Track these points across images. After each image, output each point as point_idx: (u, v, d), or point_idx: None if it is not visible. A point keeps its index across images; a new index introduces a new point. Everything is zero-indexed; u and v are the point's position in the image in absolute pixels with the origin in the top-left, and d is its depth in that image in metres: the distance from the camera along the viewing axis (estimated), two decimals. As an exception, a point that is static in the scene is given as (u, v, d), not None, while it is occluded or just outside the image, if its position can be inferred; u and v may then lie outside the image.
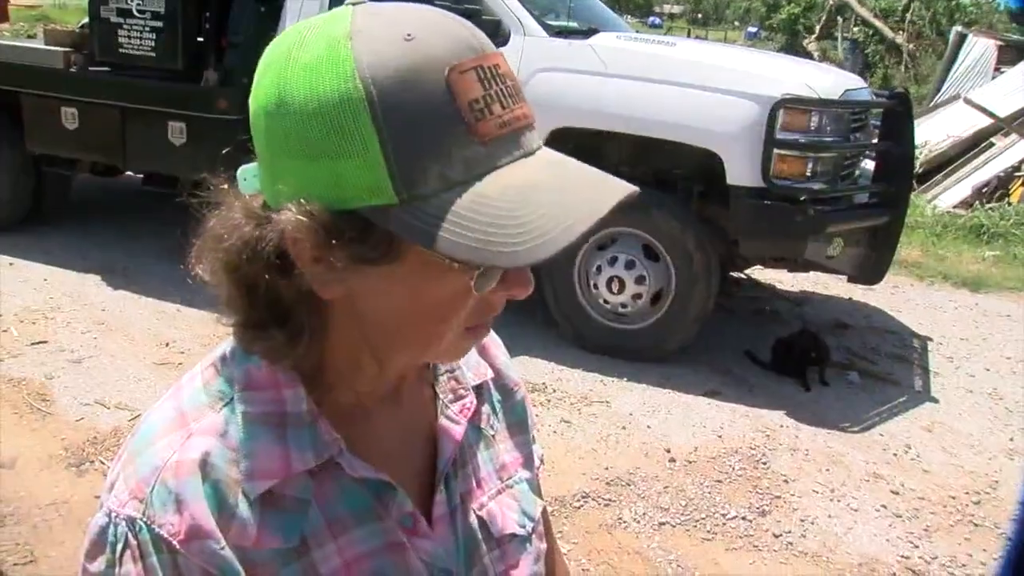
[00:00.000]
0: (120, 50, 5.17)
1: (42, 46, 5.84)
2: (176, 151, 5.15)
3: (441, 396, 0.83)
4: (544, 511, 0.93)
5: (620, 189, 0.64)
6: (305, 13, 4.83)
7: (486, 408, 0.87)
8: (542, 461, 0.96)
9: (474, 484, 0.83)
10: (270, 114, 0.63)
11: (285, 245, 0.63)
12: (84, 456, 3.29)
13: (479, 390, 0.87)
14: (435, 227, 0.59)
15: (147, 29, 5.09)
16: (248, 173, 0.68)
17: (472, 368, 0.87)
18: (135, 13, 5.08)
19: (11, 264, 5.32)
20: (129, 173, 6.33)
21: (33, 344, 4.23)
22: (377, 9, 0.64)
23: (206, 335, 4.45)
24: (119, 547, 0.66)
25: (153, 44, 5.10)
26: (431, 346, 0.71)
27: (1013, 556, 0.75)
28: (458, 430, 0.82)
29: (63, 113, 5.39)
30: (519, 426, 0.92)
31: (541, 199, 0.61)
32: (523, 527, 0.86)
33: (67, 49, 5.54)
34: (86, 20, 5.80)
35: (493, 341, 0.93)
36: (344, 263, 0.63)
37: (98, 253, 5.61)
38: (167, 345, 4.33)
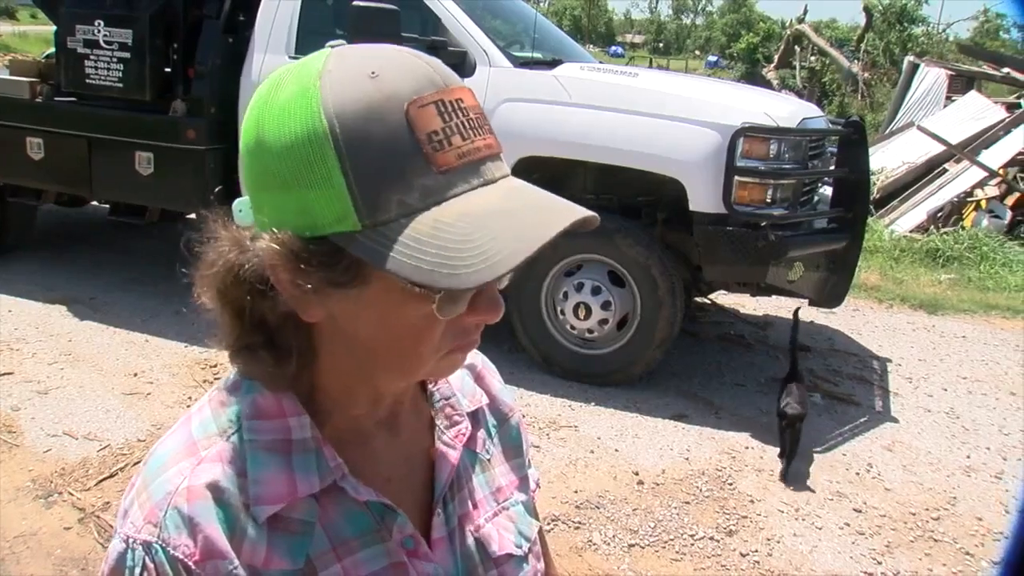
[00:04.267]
0: (87, 80, 5.16)
1: (7, 76, 5.81)
2: (143, 181, 5.14)
3: (437, 422, 0.86)
4: (540, 532, 0.96)
5: (571, 214, 0.67)
6: (273, 44, 4.88)
7: (481, 433, 0.91)
8: (538, 484, 0.99)
9: (471, 506, 0.86)
10: (250, 151, 0.68)
11: (265, 271, 0.68)
12: (52, 488, 3.26)
13: (475, 416, 0.90)
14: (391, 250, 0.63)
15: (114, 60, 5.09)
16: (243, 205, 0.73)
17: (468, 395, 0.91)
18: (102, 44, 5.08)
19: (-26, 295, 5.26)
20: (95, 203, 6.30)
21: (-2, 376, 4.19)
22: (350, 51, 0.68)
23: (175, 365, 4.44)
24: (137, 571, 0.69)
25: (120, 75, 5.10)
26: (413, 369, 0.74)
27: (1012, 558, 0.77)
28: (454, 454, 0.85)
29: (28, 143, 5.37)
30: (514, 450, 0.96)
31: (494, 224, 0.64)
32: (520, 547, 0.89)
33: (33, 79, 5.53)
34: (52, 50, 5.79)
35: (488, 369, 0.97)
36: (316, 287, 0.67)
37: (64, 283, 5.57)
38: (135, 375, 4.31)
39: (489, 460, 0.91)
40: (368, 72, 0.65)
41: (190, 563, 0.68)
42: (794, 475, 3.71)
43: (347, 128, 0.63)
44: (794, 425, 3.75)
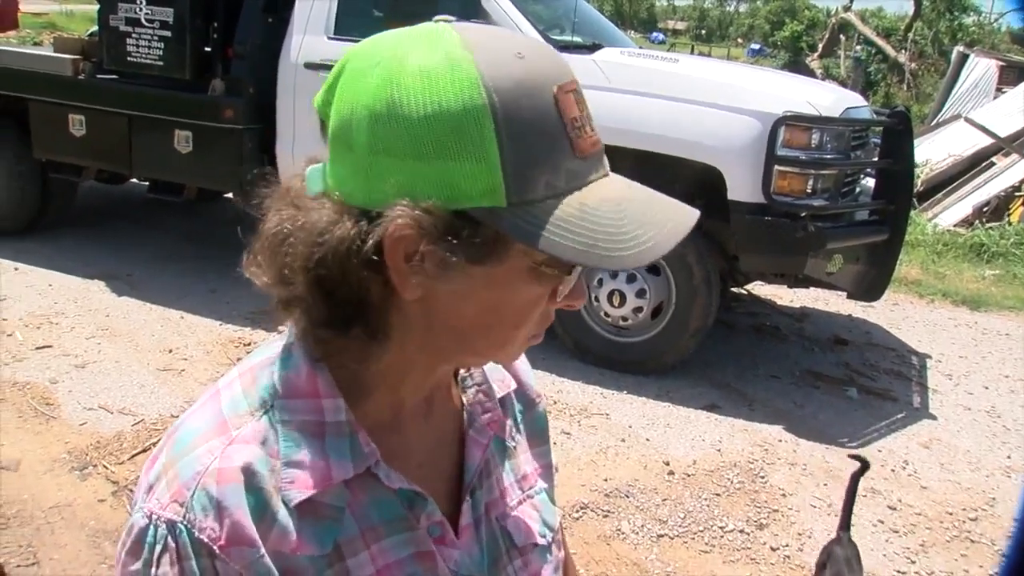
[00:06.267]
0: (128, 58, 5.22)
1: (51, 53, 5.89)
2: (182, 159, 5.19)
3: (469, 408, 0.85)
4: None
5: (692, 211, 0.71)
6: (312, 26, 4.88)
7: (508, 420, 0.89)
8: (556, 469, 0.98)
9: (497, 494, 0.85)
10: (377, 115, 0.64)
11: (385, 242, 0.65)
12: (87, 460, 3.31)
13: (502, 402, 0.89)
14: (546, 230, 0.64)
15: (155, 38, 5.14)
16: (316, 173, 0.70)
17: (497, 380, 0.89)
18: (144, 22, 5.13)
19: (16, 269, 5.35)
20: (134, 180, 6.38)
21: (38, 348, 4.26)
22: (481, 28, 0.68)
23: (209, 342, 4.48)
24: (158, 549, 0.67)
25: (161, 53, 5.15)
26: (499, 351, 0.75)
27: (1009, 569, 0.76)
28: (484, 441, 0.84)
29: (71, 120, 5.44)
30: (540, 436, 0.94)
31: (635, 211, 0.68)
32: (544, 536, 0.87)
33: (75, 57, 5.59)
34: (95, 28, 5.85)
35: None
36: (446, 262, 0.65)
37: (103, 259, 5.65)
38: (170, 352, 4.35)
39: (515, 448, 0.90)
40: (515, 52, 0.66)
41: (214, 547, 0.66)
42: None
43: (506, 103, 0.63)
44: None
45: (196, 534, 0.66)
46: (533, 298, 0.70)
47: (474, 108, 0.62)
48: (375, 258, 0.65)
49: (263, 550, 0.67)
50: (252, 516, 0.67)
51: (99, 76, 5.48)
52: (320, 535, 0.70)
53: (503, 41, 0.67)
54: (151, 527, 0.67)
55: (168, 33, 5.11)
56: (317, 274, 0.67)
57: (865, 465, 2.66)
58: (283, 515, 0.68)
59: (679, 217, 0.70)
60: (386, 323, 0.70)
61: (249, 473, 0.68)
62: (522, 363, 0.95)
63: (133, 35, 5.17)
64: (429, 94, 0.63)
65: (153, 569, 0.67)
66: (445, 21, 0.68)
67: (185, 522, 0.66)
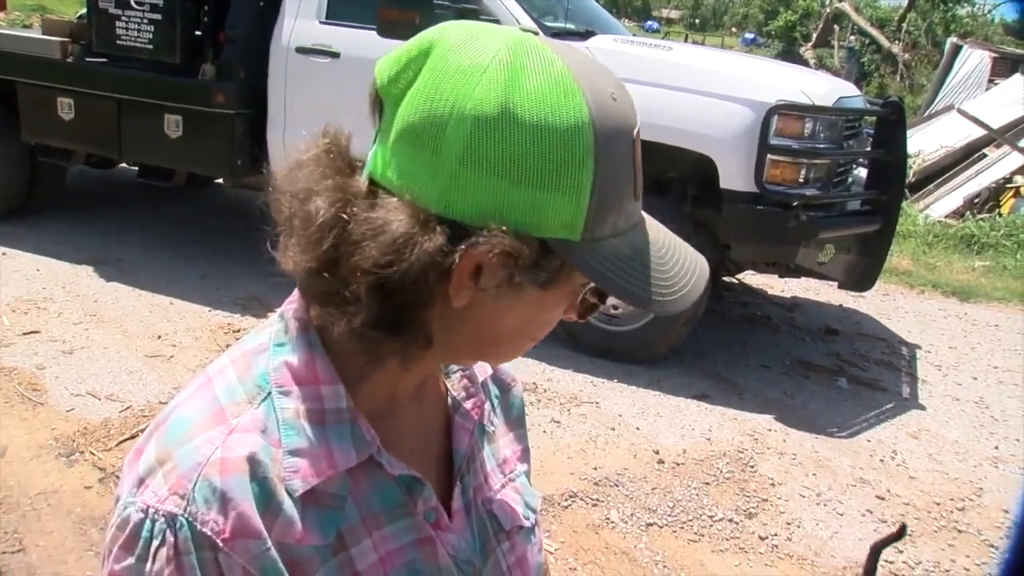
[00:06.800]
0: (118, 42, 5.15)
1: (39, 36, 5.82)
2: (172, 144, 5.14)
3: (454, 394, 0.84)
4: None
5: (703, 257, 0.77)
6: (304, 10, 4.84)
7: (487, 404, 0.89)
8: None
9: (482, 479, 0.85)
10: (483, 129, 0.62)
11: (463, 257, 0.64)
12: (74, 447, 3.29)
13: (481, 386, 0.88)
14: (608, 269, 0.67)
15: (145, 21, 5.08)
16: (373, 158, 0.67)
17: (478, 366, 0.89)
18: (133, 5, 5.07)
19: (4, 254, 5.31)
20: (124, 165, 6.33)
21: (25, 334, 4.22)
22: (577, 55, 0.68)
23: (198, 328, 4.46)
24: (155, 543, 0.64)
25: (151, 36, 5.09)
26: (506, 356, 0.78)
27: (1010, 562, 0.76)
28: (470, 427, 0.84)
29: (59, 103, 5.38)
30: (517, 420, 0.95)
31: (673, 256, 0.72)
32: (527, 519, 0.88)
33: (64, 39, 5.53)
34: (84, 11, 5.79)
35: None
36: (513, 284, 0.65)
37: (92, 244, 5.61)
38: (159, 338, 4.33)
39: (494, 432, 0.90)
40: (610, 92, 0.66)
41: (218, 540, 0.64)
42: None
43: (606, 145, 0.64)
44: None
45: (198, 527, 0.64)
46: (560, 314, 0.73)
47: (583, 146, 0.63)
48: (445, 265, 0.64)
49: (269, 543, 0.66)
50: (257, 507, 0.65)
51: (88, 59, 5.42)
52: (323, 524, 0.69)
53: (601, 77, 0.67)
54: (147, 521, 0.65)
55: (158, 16, 5.05)
56: (386, 278, 0.64)
57: (901, 533, 2.40)
58: (288, 505, 0.67)
59: (699, 263, 0.74)
60: (433, 327, 0.70)
61: (253, 462, 0.66)
62: None
63: (123, 18, 5.11)
64: (543, 120, 0.62)
65: (148, 564, 0.64)
66: (528, 31, 0.67)
67: (186, 515, 0.64)
